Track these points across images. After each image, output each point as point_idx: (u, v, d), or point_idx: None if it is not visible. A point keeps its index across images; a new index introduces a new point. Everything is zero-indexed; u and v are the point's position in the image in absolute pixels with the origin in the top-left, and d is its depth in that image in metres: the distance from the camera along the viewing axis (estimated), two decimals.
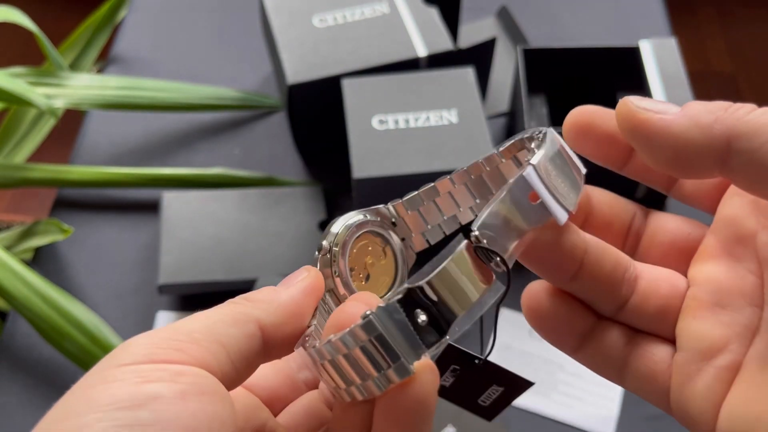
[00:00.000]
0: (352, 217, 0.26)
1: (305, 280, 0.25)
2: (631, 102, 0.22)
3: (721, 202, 0.24)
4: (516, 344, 0.58)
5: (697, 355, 0.22)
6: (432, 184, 0.27)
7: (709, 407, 0.21)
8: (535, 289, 0.24)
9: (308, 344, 0.23)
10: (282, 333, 0.23)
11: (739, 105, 0.21)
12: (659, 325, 0.23)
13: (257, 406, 0.25)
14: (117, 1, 0.78)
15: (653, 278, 0.23)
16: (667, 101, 0.22)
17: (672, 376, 0.22)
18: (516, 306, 0.60)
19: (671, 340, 0.23)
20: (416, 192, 0.27)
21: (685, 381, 0.22)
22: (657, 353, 0.23)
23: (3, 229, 1.10)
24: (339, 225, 0.26)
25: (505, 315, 0.59)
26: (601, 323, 0.23)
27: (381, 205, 0.27)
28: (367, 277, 0.27)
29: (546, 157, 0.22)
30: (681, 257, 0.24)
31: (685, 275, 0.24)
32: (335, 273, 0.26)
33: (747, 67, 1.58)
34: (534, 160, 0.21)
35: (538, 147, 0.22)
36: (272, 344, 0.23)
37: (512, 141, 0.25)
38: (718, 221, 0.24)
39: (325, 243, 0.26)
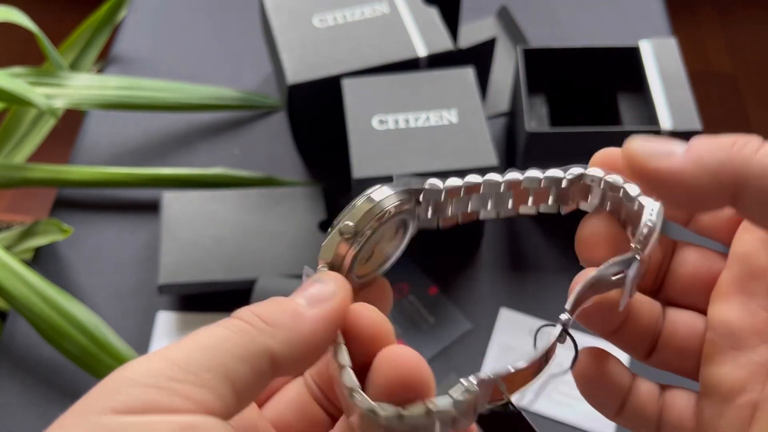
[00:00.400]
0: (389, 199, 0.24)
1: (332, 305, 0.21)
2: (636, 149, 0.22)
3: (734, 239, 0.24)
4: (516, 344, 0.58)
5: (719, 400, 0.22)
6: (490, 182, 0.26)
7: None
8: (585, 359, 0.24)
9: (358, 399, 0.21)
10: (296, 366, 0.21)
11: (745, 140, 0.21)
12: (682, 364, 0.24)
13: (249, 407, 0.24)
14: (117, 1, 0.78)
15: (673, 321, 0.24)
16: (672, 139, 0.22)
17: (697, 421, 0.23)
18: (516, 306, 0.60)
19: (695, 378, 0.24)
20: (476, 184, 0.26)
21: (709, 425, 0.23)
22: (682, 402, 0.24)
23: (3, 229, 1.10)
24: (370, 203, 0.23)
25: (506, 315, 0.59)
26: (635, 382, 0.24)
27: (434, 181, 0.25)
28: (369, 258, 0.25)
29: (651, 249, 0.22)
30: (702, 290, 0.24)
31: (706, 308, 0.24)
32: (350, 258, 0.23)
33: (747, 67, 1.58)
34: (645, 254, 0.22)
35: (645, 230, 0.22)
36: (282, 373, 0.21)
37: (581, 181, 0.24)
38: (731, 257, 0.24)
39: (350, 224, 0.23)
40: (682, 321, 0.24)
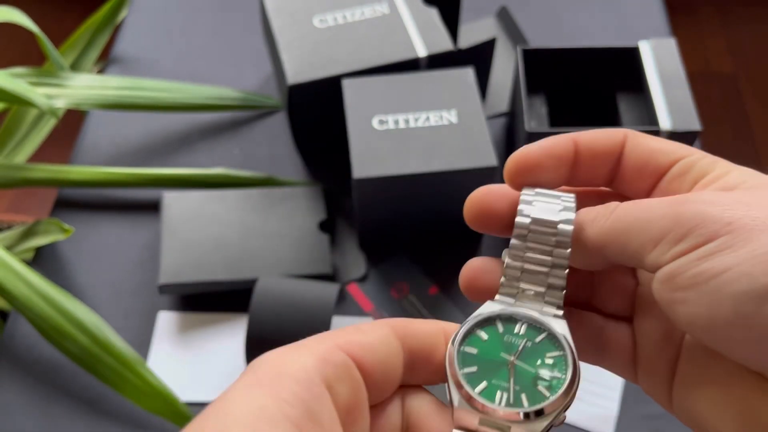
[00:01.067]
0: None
1: None
2: None
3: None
4: None
5: (649, 348, 0.24)
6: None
7: (665, 393, 0.24)
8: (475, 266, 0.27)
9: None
10: None
11: (602, 210, 0.24)
12: (621, 311, 0.26)
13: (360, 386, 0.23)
14: (117, 1, 0.78)
15: (608, 279, 0.26)
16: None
17: (633, 356, 0.25)
18: None
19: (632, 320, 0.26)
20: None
21: (643, 371, 0.25)
22: (623, 335, 0.26)
23: (4, 229, 1.10)
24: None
25: None
26: (574, 310, 0.26)
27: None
28: None
29: None
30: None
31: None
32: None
33: (747, 67, 1.58)
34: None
35: None
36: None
37: None
38: None
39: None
40: (614, 278, 0.26)
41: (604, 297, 0.26)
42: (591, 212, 0.24)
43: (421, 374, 0.25)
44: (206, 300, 0.60)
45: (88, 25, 0.77)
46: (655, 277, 0.22)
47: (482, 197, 0.26)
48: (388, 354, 0.24)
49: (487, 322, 0.25)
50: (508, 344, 0.24)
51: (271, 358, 0.22)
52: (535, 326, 0.24)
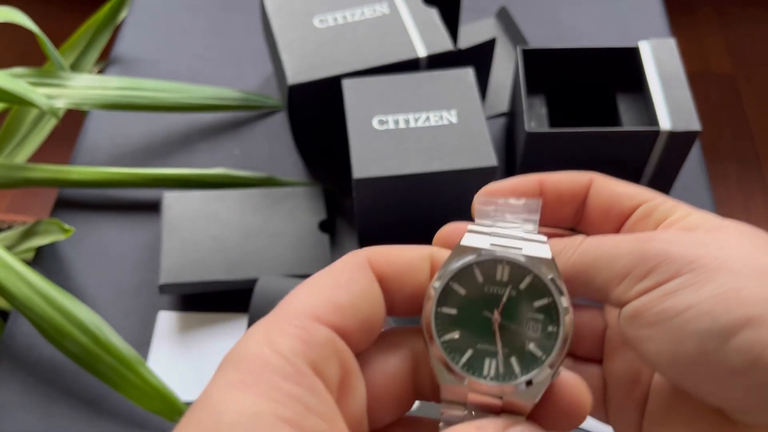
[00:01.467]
0: None
1: None
2: None
3: None
4: None
5: (619, 390, 0.25)
6: None
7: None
8: None
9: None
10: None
11: (569, 243, 0.24)
12: (590, 354, 0.27)
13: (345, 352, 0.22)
14: (118, 1, 0.79)
15: (577, 322, 0.27)
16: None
17: (607, 407, 0.26)
18: None
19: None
20: None
21: (614, 411, 0.25)
22: (594, 377, 0.26)
23: (4, 229, 1.10)
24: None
25: None
26: None
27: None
28: None
29: None
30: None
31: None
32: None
33: (746, 67, 1.58)
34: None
35: None
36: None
37: None
38: None
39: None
40: (584, 323, 0.27)
41: (574, 340, 0.26)
42: (558, 244, 0.24)
43: (404, 307, 0.24)
44: (206, 300, 0.60)
45: (88, 26, 0.78)
46: (620, 313, 0.22)
47: (449, 233, 0.26)
48: (372, 306, 0.22)
49: (464, 272, 0.22)
50: (491, 297, 0.22)
51: (250, 347, 0.21)
52: (519, 268, 0.22)
